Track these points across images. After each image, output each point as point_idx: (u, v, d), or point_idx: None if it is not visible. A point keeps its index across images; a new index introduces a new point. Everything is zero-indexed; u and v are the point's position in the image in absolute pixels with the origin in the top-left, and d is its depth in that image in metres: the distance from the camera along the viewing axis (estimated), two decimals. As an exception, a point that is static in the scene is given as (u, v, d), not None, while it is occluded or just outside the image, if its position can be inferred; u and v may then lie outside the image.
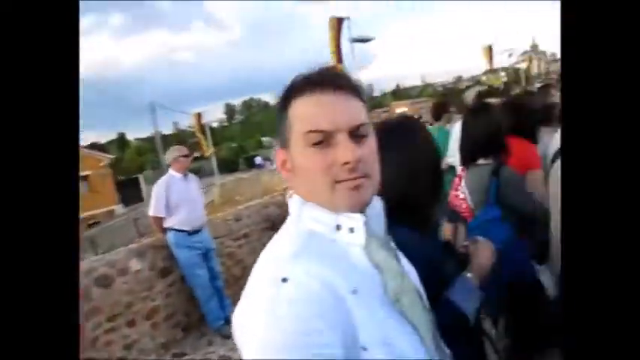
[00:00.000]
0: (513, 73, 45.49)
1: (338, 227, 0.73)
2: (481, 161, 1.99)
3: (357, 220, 0.72)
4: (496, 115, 1.98)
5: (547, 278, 1.80)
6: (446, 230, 4.25)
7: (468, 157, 2.05)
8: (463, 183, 2.13)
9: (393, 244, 0.85)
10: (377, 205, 0.80)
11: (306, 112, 0.71)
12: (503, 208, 1.82)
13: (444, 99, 6.08)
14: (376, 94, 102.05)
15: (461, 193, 2.25)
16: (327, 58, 9.78)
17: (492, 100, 2.99)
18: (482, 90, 3.61)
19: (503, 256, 1.50)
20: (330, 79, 0.73)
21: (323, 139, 0.70)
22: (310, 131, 0.70)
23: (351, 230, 0.72)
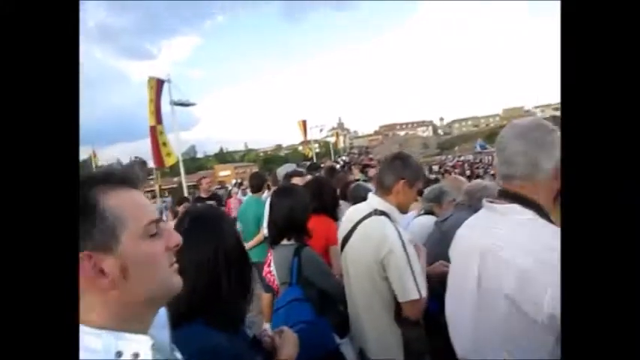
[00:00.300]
0: (324, 145, 51.48)
1: (119, 354, 0.64)
2: (284, 242, 2.10)
3: (143, 343, 0.66)
4: (299, 197, 2.13)
5: (349, 351, 1.93)
6: (264, 299, 4.24)
7: (273, 237, 2.15)
8: (272, 260, 2.22)
9: (179, 356, 0.81)
10: (162, 313, 0.76)
11: (135, 205, 0.70)
12: (305, 286, 1.93)
13: (259, 172, 6.37)
14: (199, 155, 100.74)
15: (272, 269, 2.33)
16: (145, 117, 9.30)
17: (298, 180, 3.26)
18: (290, 171, 3.87)
19: (307, 334, 1.57)
20: (132, 175, 0.75)
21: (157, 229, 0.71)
22: (151, 222, 0.69)
23: (136, 355, 0.64)
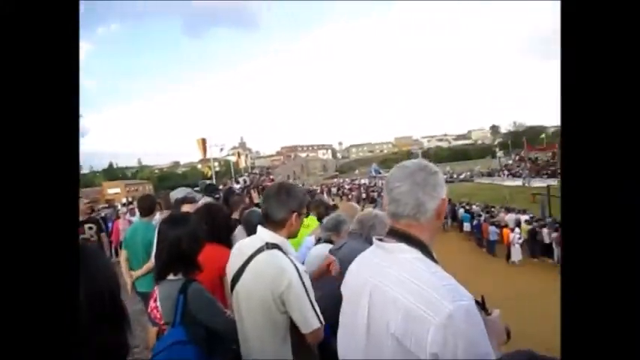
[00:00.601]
0: (224, 164, 50.44)
1: None
2: (171, 276, 1.94)
3: None
4: (188, 228, 2.00)
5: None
6: (150, 333, 3.93)
7: (159, 271, 1.97)
8: (157, 296, 2.03)
9: None
10: None
11: None
12: (192, 326, 1.79)
13: (149, 194, 5.80)
14: (85, 170, 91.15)
15: (158, 305, 2.13)
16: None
17: (189, 207, 3.08)
18: (179, 197, 3.60)
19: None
20: None
21: None
22: None
23: None
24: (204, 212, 2.67)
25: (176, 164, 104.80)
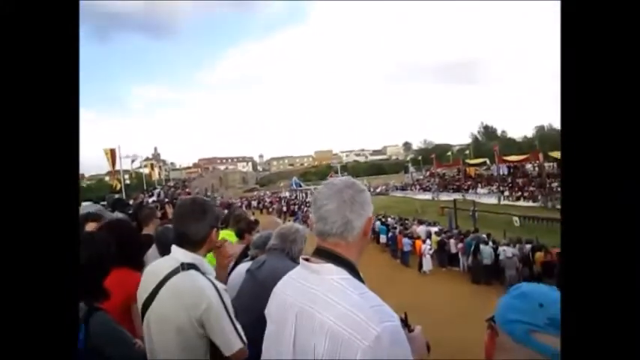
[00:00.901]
0: (136, 177, 47.33)
1: None
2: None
3: None
4: (93, 250, 1.78)
5: None
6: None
7: None
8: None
9: None
10: None
11: None
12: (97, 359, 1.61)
13: None
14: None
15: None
16: None
17: (93, 226, 2.76)
18: (83, 214, 3.16)
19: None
20: None
21: None
22: None
23: None
24: (108, 230, 2.38)
25: (80, 176, 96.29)
